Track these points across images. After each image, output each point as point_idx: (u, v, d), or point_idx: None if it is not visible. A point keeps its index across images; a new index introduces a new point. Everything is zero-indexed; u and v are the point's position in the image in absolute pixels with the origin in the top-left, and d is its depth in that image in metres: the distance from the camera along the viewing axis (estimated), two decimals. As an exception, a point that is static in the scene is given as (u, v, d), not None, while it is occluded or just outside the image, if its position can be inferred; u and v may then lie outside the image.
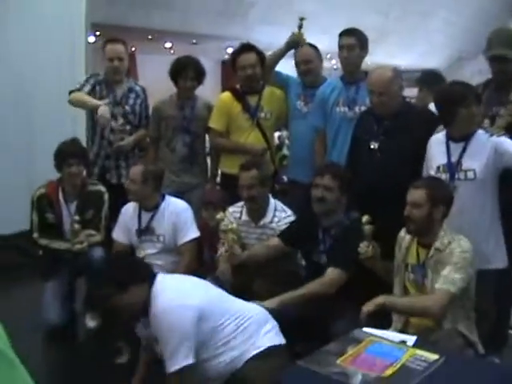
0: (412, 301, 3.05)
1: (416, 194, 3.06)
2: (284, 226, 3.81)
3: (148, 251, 4.04)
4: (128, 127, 4.62)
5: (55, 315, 4.09)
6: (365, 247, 3.19)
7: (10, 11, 5.49)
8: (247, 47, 4.44)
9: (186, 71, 4.49)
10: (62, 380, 3.61)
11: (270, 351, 2.81)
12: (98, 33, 7.50)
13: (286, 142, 6.53)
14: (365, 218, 3.16)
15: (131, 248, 4.16)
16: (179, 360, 2.63)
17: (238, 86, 4.61)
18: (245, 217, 3.93)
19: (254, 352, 2.79)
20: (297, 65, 4.49)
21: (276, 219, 3.86)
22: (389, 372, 2.19)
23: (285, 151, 6.63)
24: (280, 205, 3.97)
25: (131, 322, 3.01)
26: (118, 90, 4.64)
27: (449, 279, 2.90)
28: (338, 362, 2.26)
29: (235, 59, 4.45)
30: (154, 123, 4.68)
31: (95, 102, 4.51)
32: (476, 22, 10.92)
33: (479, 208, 3.31)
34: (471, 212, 3.28)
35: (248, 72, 4.37)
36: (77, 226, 3.97)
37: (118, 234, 4.18)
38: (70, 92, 4.64)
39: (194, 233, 4.08)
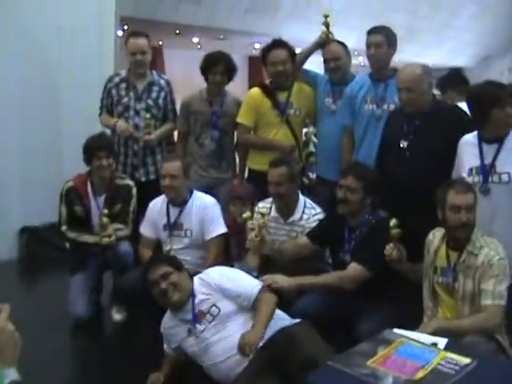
0: (466, 324, 2.94)
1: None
2: (313, 223, 3.80)
3: (175, 246, 4.05)
4: (153, 121, 4.60)
5: (82, 308, 4.12)
6: (390, 249, 3.16)
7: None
8: (278, 43, 4.41)
9: (216, 66, 4.49)
10: (88, 372, 3.61)
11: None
12: (126, 27, 7.51)
13: (313, 138, 6.49)
14: (392, 222, 3.12)
15: (158, 243, 4.17)
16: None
17: (267, 82, 4.60)
18: (274, 213, 3.92)
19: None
20: (325, 62, 4.46)
21: (305, 216, 3.86)
22: (420, 375, 2.17)
23: (311, 148, 6.59)
24: (309, 202, 3.96)
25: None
26: (139, 85, 4.62)
27: (496, 294, 2.88)
28: (369, 363, 2.24)
29: (266, 55, 4.42)
30: (183, 118, 4.68)
31: (108, 120, 4.64)
32: (505, 18, 10.78)
33: None
34: (505, 215, 3.22)
35: (279, 68, 4.35)
36: (105, 219, 3.97)
37: (146, 229, 4.19)
38: (99, 115, 4.77)
39: (221, 228, 4.09)
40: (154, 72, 4.76)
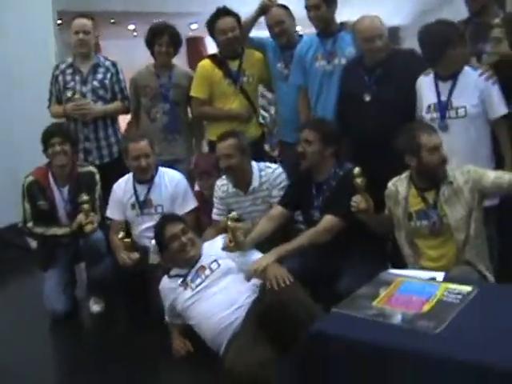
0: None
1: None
2: (279, 180, 3.77)
3: (146, 224, 3.98)
4: (100, 103, 4.49)
5: (59, 303, 4.02)
6: (357, 200, 3.14)
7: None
8: (223, 11, 4.34)
9: (161, 37, 4.42)
10: (69, 368, 3.55)
11: None
12: (59, 21, 7.28)
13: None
14: (356, 170, 3.09)
15: (127, 223, 4.10)
16: None
17: (217, 53, 4.52)
18: (231, 189, 3.88)
19: None
20: (269, 28, 4.39)
21: (264, 179, 3.80)
22: (427, 308, 2.18)
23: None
24: (262, 164, 3.91)
25: None
26: (84, 68, 4.51)
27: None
28: (374, 304, 2.24)
29: (213, 25, 4.35)
30: (132, 95, 4.60)
31: (57, 109, 4.54)
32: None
33: (473, 145, 3.32)
34: (463, 150, 3.28)
35: (229, 35, 4.29)
36: (86, 206, 3.86)
37: (113, 212, 4.12)
38: (48, 107, 4.64)
39: (193, 202, 4.08)
40: (99, 55, 4.67)
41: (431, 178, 3.06)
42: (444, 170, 3.03)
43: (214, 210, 3.94)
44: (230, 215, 3.50)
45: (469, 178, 3.01)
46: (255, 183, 3.81)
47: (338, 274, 3.25)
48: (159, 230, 3.43)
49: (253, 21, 4.48)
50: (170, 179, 4.05)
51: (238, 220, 3.50)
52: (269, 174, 3.81)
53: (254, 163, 3.88)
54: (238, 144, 3.75)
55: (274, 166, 3.89)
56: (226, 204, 3.89)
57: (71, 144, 4.12)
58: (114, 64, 4.63)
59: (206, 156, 4.42)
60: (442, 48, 3.26)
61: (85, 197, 3.89)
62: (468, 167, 3.05)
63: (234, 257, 3.32)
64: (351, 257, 3.30)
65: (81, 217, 3.90)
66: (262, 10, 4.40)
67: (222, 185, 3.89)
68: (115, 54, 5.04)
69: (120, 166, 4.19)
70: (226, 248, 3.36)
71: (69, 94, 4.47)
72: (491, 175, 3.00)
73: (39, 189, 4.09)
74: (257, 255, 3.34)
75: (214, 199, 3.95)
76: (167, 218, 3.55)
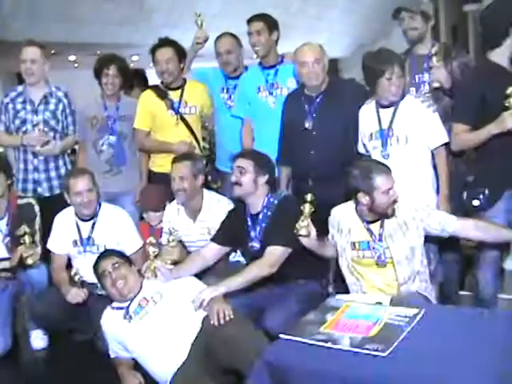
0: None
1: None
2: (222, 215, 3.71)
3: (88, 262, 3.78)
4: (52, 134, 4.40)
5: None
6: (300, 226, 3.10)
7: None
8: (163, 42, 4.35)
9: (108, 67, 4.37)
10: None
11: None
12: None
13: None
14: (308, 197, 3.06)
15: (68, 259, 4.00)
16: None
17: (158, 84, 4.52)
18: (182, 215, 3.85)
19: None
20: (217, 55, 4.42)
21: (213, 211, 3.79)
22: (374, 331, 2.20)
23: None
24: (215, 196, 3.92)
25: None
26: (36, 98, 4.43)
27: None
28: (322, 329, 2.24)
29: (153, 54, 4.35)
30: (80, 126, 4.53)
31: (16, 139, 4.39)
32: (375, 10, 11.24)
33: (415, 172, 3.38)
34: (407, 176, 3.32)
35: (164, 67, 4.30)
36: (27, 238, 3.77)
37: (55, 245, 4.00)
38: None
39: (138, 242, 3.97)
40: (50, 84, 4.56)
41: (380, 215, 3.07)
42: (394, 208, 3.04)
43: (164, 235, 3.89)
44: (150, 238, 3.60)
45: (416, 214, 3.03)
46: (204, 212, 3.80)
47: (269, 307, 3.23)
48: (95, 266, 3.41)
49: (191, 55, 4.49)
50: (113, 217, 3.95)
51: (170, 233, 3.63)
52: (218, 208, 3.79)
53: (207, 191, 3.89)
54: (192, 167, 3.76)
55: (225, 201, 3.86)
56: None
57: (7, 175, 4.02)
58: (66, 94, 4.54)
59: (150, 191, 4.34)
60: (375, 77, 3.35)
61: (26, 229, 3.79)
62: (415, 203, 3.07)
63: (177, 287, 3.28)
64: (285, 287, 3.30)
65: (21, 249, 3.80)
66: (198, 45, 4.42)
67: (171, 212, 3.86)
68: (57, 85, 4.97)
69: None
70: (143, 272, 3.36)
71: (29, 126, 4.37)
72: (439, 217, 3.04)
73: None
74: (199, 285, 3.31)
75: (163, 224, 3.92)
76: (102, 254, 3.51)
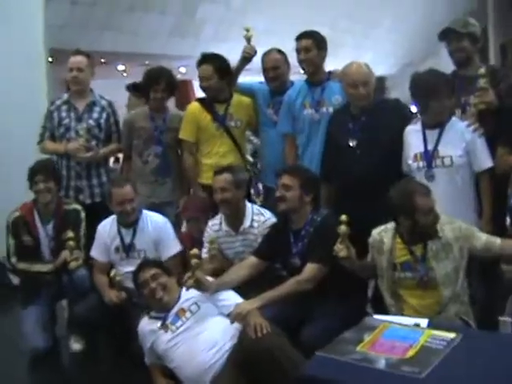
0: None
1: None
2: (266, 230, 3.74)
3: (130, 268, 3.88)
4: (94, 141, 4.49)
5: (39, 340, 3.96)
6: (338, 248, 3.10)
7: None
8: (204, 58, 4.41)
9: (158, 83, 4.43)
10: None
11: None
12: (50, 59, 7.36)
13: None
14: (343, 217, 3.06)
15: (111, 266, 4.06)
16: None
17: (205, 96, 4.58)
18: (224, 227, 3.89)
19: None
20: (264, 71, 4.46)
21: (255, 224, 3.81)
22: (410, 353, 2.19)
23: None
24: (258, 209, 3.94)
25: None
26: (80, 106, 4.52)
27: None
28: (358, 348, 2.24)
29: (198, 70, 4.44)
30: (126, 136, 4.61)
31: (60, 147, 4.48)
32: (422, 28, 11.20)
33: (458, 194, 3.37)
34: (449, 199, 3.29)
35: (203, 83, 4.38)
36: (71, 242, 3.85)
37: (97, 253, 4.09)
38: (38, 143, 4.61)
39: (176, 247, 4.05)
40: (95, 93, 4.66)
41: (423, 236, 3.05)
42: (435, 228, 3.02)
43: (204, 250, 3.91)
44: (208, 238, 3.70)
45: (460, 235, 3.02)
46: (246, 223, 3.82)
47: (307, 321, 3.25)
48: (134, 276, 3.49)
49: (239, 69, 4.52)
50: (153, 223, 4.03)
51: (212, 243, 3.72)
52: (261, 221, 3.81)
53: (248, 204, 3.92)
54: (234, 178, 3.79)
55: (268, 215, 3.87)
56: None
57: (55, 181, 4.14)
58: (110, 104, 4.65)
59: (194, 200, 4.40)
60: (425, 98, 3.35)
61: (70, 233, 3.88)
62: (459, 223, 3.05)
63: (215, 300, 3.33)
64: (324, 303, 3.29)
65: (66, 253, 3.90)
66: (246, 59, 4.44)
67: (213, 224, 3.90)
68: (104, 94, 5.09)
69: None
70: (184, 283, 3.35)
71: (72, 134, 4.46)
72: (483, 237, 3.02)
73: (24, 224, 4.09)
74: (236, 298, 3.34)
75: (204, 239, 3.95)
76: (142, 264, 3.57)
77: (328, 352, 2.26)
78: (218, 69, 4.35)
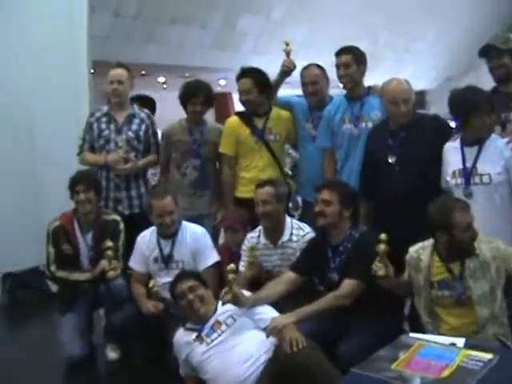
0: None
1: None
2: (305, 245, 3.75)
3: (167, 279, 3.92)
4: (133, 153, 4.54)
5: (76, 347, 4.02)
6: (376, 266, 3.09)
7: (14, 47, 5.52)
8: (244, 72, 4.44)
9: (196, 96, 4.47)
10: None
11: None
12: (92, 70, 7.50)
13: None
14: (382, 236, 3.05)
15: (149, 276, 4.10)
16: None
17: (244, 110, 4.61)
18: (263, 239, 3.90)
19: None
20: (303, 85, 4.46)
21: (294, 238, 3.83)
22: (446, 373, 2.17)
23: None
24: (297, 223, 3.95)
25: None
26: (120, 118, 4.58)
27: None
28: (393, 366, 2.23)
29: (237, 84, 4.48)
30: (164, 149, 4.65)
31: (100, 158, 4.53)
32: (464, 41, 11.10)
33: (497, 212, 3.31)
34: (487, 217, 3.23)
35: (243, 97, 4.41)
36: (110, 252, 3.92)
37: (136, 263, 4.13)
38: (78, 154, 4.68)
39: (213, 258, 4.07)
40: (134, 105, 4.73)
41: (460, 253, 3.02)
42: (473, 245, 2.98)
43: (241, 263, 3.94)
44: (247, 244, 3.73)
45: (498, 255, 2.98)
46: (285, 237, 3.84)
47: (344, 336, 3.25)
48: (171, 287, 3.52)
49: (278, 83, 4.53)
50: (191, 234, 4.06)
51: (253, 249, 3.74)
52: (300, 236, 3.83)
53: (288, 218, 3.94)
54: (275, 192, 3.83)
55: (307, 229, 3.88)
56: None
57: (96, 192, 4.20)
58: (149, 116, 4.70)
59: (234, 212, 4.42)
60: (466, 115, 3.32)
61: (109, 243, 3.94)
62: (497, 243, 3.01)
63: (251, 314, 3.34)
64: (361, 319, 3.27)
65: (104, 263, 3.96)
66: (285, 73, 4.46)
67: (252, 237, 3.93)
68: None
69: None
70: (221, 298, 3.36)
71: (112, 145, 4.51)
72: None
73: (64, 233, 4.15)
74: (273, 313, 3.35)
75: (242, 252, 3.97)
76: (179, 276, 3.61)
77: (363, 369, 2.25)
78: (257, 83, 4.37)
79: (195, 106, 4.49)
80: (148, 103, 5.33)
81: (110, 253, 3.92)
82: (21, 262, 5.45)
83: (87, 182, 4.17)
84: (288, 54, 4.42)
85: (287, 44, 4.41)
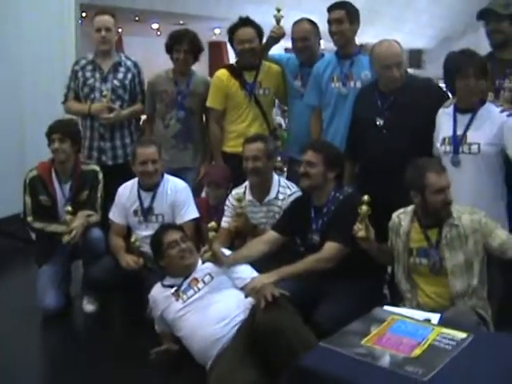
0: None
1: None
2: (288, 205, 3.70)
3: (147, 232, 3.90)
4: (118, 102, 4.45)
5: (52, 300, 3.99)
6: (358, 227, 3.06)
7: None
8: (245, 21, 4.32)
9: (180, 43, 4.36)
10: (61, 366, 3.48)
11: None
12: (84, 14, 7.35)
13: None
14: (365, 198, 3.01)
15: (128, 229, 4.06)
16: None
17: (234, 63, 4.51)
18: (249, 196, 3.85)
19: None
20: (293, 41, 4.35)
21: (281, 196, 3.78)
22: (417, 352, 2.13)
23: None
24: (283, 181, 3.90)
25: None
26: (105, 66, 4.48)
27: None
28: (363, 342, 2.19)
29: (233, 34, 4.33)
30: (149, 99, 4.56)
31: (84, 107, 4.45)
32: (460, 2, 10.89)
33: (483, 184, 3.24)
34: (472, 187, 3.21)
35: (246, 46, 4.27)
36: (68, 216, 3.82)
37: (116, 215, 4.07)
38: (63, 102, 4.60)
39: (193, 213, 4.01)
40: (120, 53, 4.61)
41: (433, 216, 2.99)
42: (448, 211, 2.95)
43: (224, 219, 3.89)
44: (234, 196, 3.69)
45: (478, 228, 2.93)
46: (272, 195, 3.80)
47: (323, 299, 3.20)
48: (158, 237, 3.45)
49: (266, 47, 4.45)
50: (172, 187, 4.00)
51: (239, 201, 3.67)
52: (286, 194, 3.78)
53: (276, 176, 3.88)
54: (266, 148, 3.76)
55: (294, 188, 3.82)
56: None
57: (72, 141, 4.08)
58: (135, 64, 4.60)
59: (219, 167, 4.39)
60: (452, 77, 3.25)
61: (69, 207, 3.85)
62: (480, 215, 2.96)
63: (229, 272, 3.31)
64: (342, 283, 3.22)
65: (70, 218, 3.84)
66: (274, 39, 4.37)
67: (237, 193, 3.86)
68: (137, 51, 5.02)
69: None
70: (201, 256, 3.34)
71: (97, 94, 4.43)
72: (502, 236, 2.92)
73: (41, 183, 4.07)
74: (252, 273, 3.31)
75: (226, 207, 3.92)
76: (165, 226, 3.60)
77: (332, 343, 2.20)
78: (258, 32, 4.31)
79: (179, 53, 4.39)
80: None
81: (68, 217, 3.81)
82: (1, 208, 5.35)
83: (63, 131, 4.05)
84: (278, 21, 4.34)
85: (278, 10, 4.33)
